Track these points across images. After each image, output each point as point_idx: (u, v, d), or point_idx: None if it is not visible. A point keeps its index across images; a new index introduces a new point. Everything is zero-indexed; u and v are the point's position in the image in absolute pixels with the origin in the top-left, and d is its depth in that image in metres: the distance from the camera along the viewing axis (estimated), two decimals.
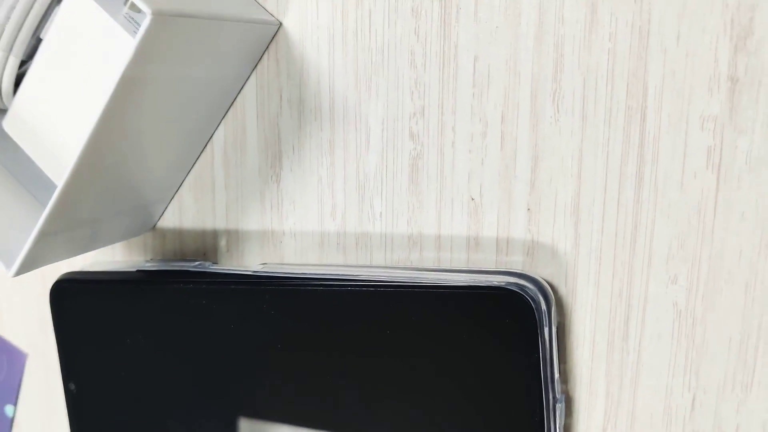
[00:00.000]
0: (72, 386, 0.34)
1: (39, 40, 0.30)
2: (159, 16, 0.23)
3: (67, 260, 0.36)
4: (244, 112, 0.31)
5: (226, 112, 0.31)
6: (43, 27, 0.29)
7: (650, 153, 0.26)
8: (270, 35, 0.30)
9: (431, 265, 0.29)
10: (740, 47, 0.24)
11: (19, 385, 0.38)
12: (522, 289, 0.26)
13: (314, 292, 0.29)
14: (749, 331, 0.26)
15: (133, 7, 0.27)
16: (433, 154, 0.29)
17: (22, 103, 0.30)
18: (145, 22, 0.23)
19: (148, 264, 0.33)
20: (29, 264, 0.28)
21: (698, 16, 0.24)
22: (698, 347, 0.26)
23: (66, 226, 0.28)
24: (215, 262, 0.33)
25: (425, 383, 0.28)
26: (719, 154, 0.25)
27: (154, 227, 0.34)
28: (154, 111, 0.27)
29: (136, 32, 0.26)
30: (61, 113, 0.30)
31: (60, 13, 0.28)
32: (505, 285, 0.26)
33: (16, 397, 0.39)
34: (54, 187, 0.28)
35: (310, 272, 0.29)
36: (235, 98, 0.31)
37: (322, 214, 0.31)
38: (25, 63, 0.30)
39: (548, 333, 0.26)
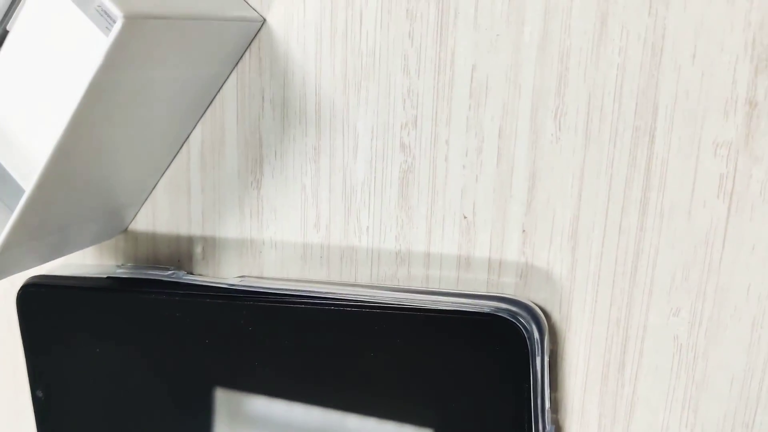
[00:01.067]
0: (39, 393, 0.32)
1: (5, 32, 0.27)
2: (131, 20, 0.21)
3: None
4: (223, 113, 0.29)
5: (204, 111, 0.29)
6: (9, 19, 0.27)
7: (657, 177, 0.24)
8: (253, 32, 0.28)
9: (419, 284, 0.28)
10: (761, 69, 0.22)
11: None
12: (514, 317, 0.25)
13: (294, 311, 0.27)
14: (753, 370, 0.24)
15: None
16: (424, 168, 0.27)
17: None
18: (116, 27, 0.21)
19: (120, 270, 0.31)
20: None
21: (717, 34, 0.22)
22: (698, 383, 0.25)
23: (33, 235, 0.26)
24: (190, 272, 0.31)
25: (409, 410, 0.27)
26: (732, 183, 0.23)
27: (126, 230, 0.32)
28: (126, 114, 0.25)
29: (108, 28, 0.24)
30: (29, 112, 0.28)
31: (27, 5, 0.26)
32: (497, 312, 0.25)
33: None
34: (22, 190, 0.26)
35: (291, 288, 0.28)
36: (213, 97, 0.29)
37: (306, 224, 0.29)
38: None
39: (540, 362, 0.25)
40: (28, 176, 0.26)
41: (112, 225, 0.31)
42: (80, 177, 0.25)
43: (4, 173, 0.30)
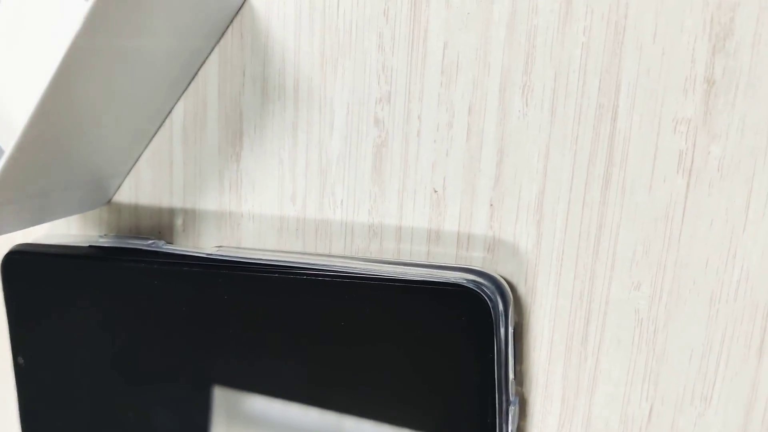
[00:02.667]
0: (20, 360, 0.33)
1: None
2: None
3: (21, 231, 0.34)
4: (205, 88, 0.30)
5: (187, 86, 0.30)
6: None
7: (619, 154, 0.25)
8: (235, 8, 0.28)
9: (391, 257, 0.28)
10: (719, 48, 0.23)
11: None
12: (479, 287, 0.25)
13: (269, 279, 0.28)
14: (712, 343, 0.25)
15: None
16: (397, 142, 0.27)
17: None
18: None
19: (102, 240, 0.32)
20: None
21: (677, 14, 0.23)
22: (658, 356, 0.25)
23: (15, 198, 0.27)
24: (170, 242, 0.31)
25: (376, 377, 0.27)
26: (691, 159, 0.24)
27: (109, 201, 0.33)
28: (107, 82, 0.26)
29: None
30: (12, 77, 0.28)
31: None
32: (463, 282, 0.25)
33: None
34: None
35: (267, 258, 0.28)
36: (196, 73, 0.30)
37: (282, 198, 0.30)
38: None
39: (504, 333, 0.26)
40: (10, 139, 0.27)
41: (95, 195, 0.31)
42: (61, 142, 0.26)
43: None
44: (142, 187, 0.32)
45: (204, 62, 0.30)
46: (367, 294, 0.27)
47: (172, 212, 0.32)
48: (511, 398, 0.26)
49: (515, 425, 0.26)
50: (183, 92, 0.30)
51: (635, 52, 0.24)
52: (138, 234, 0.32)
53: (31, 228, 0.34)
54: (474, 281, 0.26)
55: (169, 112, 0.31)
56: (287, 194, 0.29)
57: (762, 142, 0.23)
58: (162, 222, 0.32)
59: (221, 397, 0.30)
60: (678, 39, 0.23)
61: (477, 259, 0.27)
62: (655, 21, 0.23)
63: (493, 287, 0.26)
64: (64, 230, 0.34)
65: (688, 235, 0.24)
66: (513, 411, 0.26)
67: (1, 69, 0.28)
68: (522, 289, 0.27)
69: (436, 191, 0.27)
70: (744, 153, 0.23)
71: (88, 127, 0.27)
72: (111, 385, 0.32)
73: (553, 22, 0.25)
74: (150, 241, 0.31)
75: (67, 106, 0.25)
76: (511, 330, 0.26)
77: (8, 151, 0.24)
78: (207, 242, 0.31)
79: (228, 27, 0.29)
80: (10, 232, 0.28)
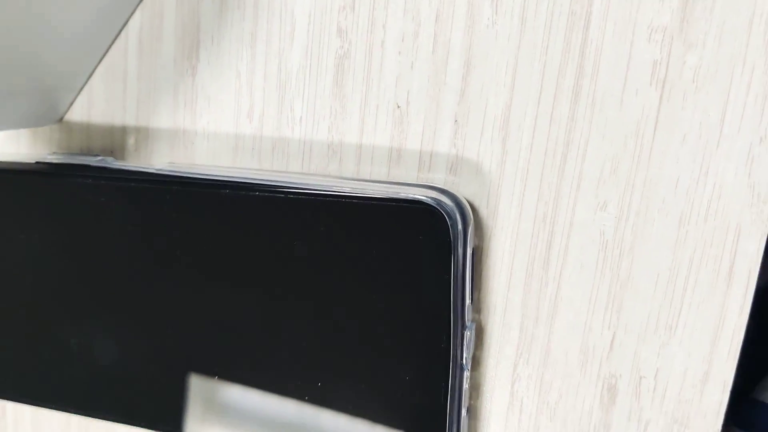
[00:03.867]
0: None
1: None
2: None
3: None
4: None
5: None
6: None
7: (591, 65, 0.23)
8: None
9: (350, 176, 0.27)
10: None
11: None
12: (438, 204, 0.24)
13: (221, 196, 0.26)
14: (679, 268, 0.23)
15: None
16: (360, 54, 0.26)
17: None
18: None
19: (50, 157, 0.30)
20: None
21: None
22: (623, 282, 0.24)
23: None
24: (121, 160, 0.30)
25: (331, 296, 0.26)
26: (665, 69, 0.23)
27: (61, 120, 0.31)
28: None
29: None
30: None
31: None
32: (422, 198, 0.24)
33: None
34: None
35: (219, 174, 0.27)
36: None
37: (239, 114, 0.28)
38: None
39: (462, 253, 0.24)
40: None
41: (43, 109, 0.30)
42: (3, 38, 0.25)
43: None
44: (95, 105, 0.30)
45: None
46: (324, 211, 0.25)
47: (124, 130, 0.30)
48: (467, 323, 0.25)
49: (470, 353, 0.25)
50: (139, 2, 0.29)
51: None
52: (89, 153, 0.31)
53: None
54: (434, 198, 0.24)
55: (125, 24, 0.29)
56: (243, 110, 0.28)
57: (740, 52, 0.22)
58: (114, 141, 0.30)
59: (167, 325, 0.28)
60: None
61: (439, 181, 0.26)
62: None
63: (453, 206, 0.24)
64: (12, 148, 0.32)
65: (659, 151, 0.23)
66: (468, 337, 0.25)
67: None
68: (484, 212, 0.25)
69: (399, 107, 0.26)
70: (721, 63, 0.22)
71: (32, 28, 0.25)
72: (52, 309, 0.30)
73: None
74: (99, 158, 0.29)
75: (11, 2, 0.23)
76: (470, 252, 0.25)
77: None
78: (159, 161, 0.30)
79: None
80: None
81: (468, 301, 0.25)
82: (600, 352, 0.25)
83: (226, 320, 0.27)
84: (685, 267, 0.23)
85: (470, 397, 0.26)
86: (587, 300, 0.25)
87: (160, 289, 0.28)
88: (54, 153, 0.31)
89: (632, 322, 0.24)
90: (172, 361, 0.29)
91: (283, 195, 0.26)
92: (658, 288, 0.24)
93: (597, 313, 0.25)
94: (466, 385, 0.25)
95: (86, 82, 0.30)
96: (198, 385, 0.28)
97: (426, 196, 0.24)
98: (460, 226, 0.24)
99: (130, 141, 0.30)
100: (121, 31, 0.29)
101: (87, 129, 0.31)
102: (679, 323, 0.24)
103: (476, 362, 0.26)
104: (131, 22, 0.29)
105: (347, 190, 0.25)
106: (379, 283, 0.25)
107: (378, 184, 0.25)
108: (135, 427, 0.30)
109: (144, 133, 0.30)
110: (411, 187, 0.25)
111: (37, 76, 0.28)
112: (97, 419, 0.31)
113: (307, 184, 0.26)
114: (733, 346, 0.23)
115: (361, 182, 0.25)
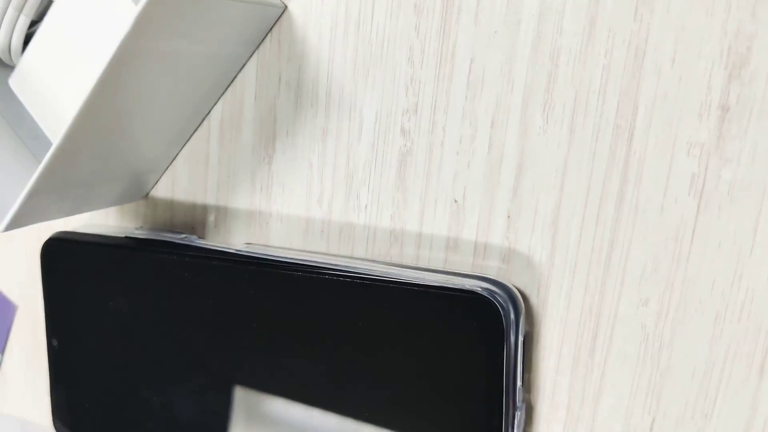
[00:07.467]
0: (54, 342, 0.35)
1: (50, 2, 0.30)
2: None
3: (62, 220, 0.36)
4: (243, 92, 0.31)
5: (226, 89, 0.32)
6: None
7: (634, 173, 0.26)
8: (274, 17, 0.30)
9: (410, 262, 0.30)
10: (734, 76, 0.24)
11: (8, 335, 0.39)
12: (492, 295, 0.26)
13: (293, 277, 0.29)
14: (714, 362, 0.25)
15: None
16: (422, 152, 0.29)
17: (29, 62, 0.31)
18: None
19: (137, 231, 0.33)
20: (19, 220, 0.29)
21: (695, 41, 0.24)
22: (662, 371, 0.26)
23: (58, 186, 0.28)
24: (202, 237, 0.33)
25: (390, 377, 0.28)
26: (702, 182, 0.25)
27: (147, 196, 0.34)
28: (150, 82, 0.27)
29: None
30: (65, 75, 0.30)
31: None
32: (477, 289, 0.26)
33: (4, 347, 0.40)
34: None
35: (292, 257, 0.30)
36: (235, 77, 0.31)
37: (310, 200, 0.31)
38: (35, 23, 0.31)
39: (514, 340, 0.27)
40: (59, 132, 0.29)
41: (134, 189, 0.33)
42: (105, 137, 0.28)
43: (39, 133, 0.32)
44: (179, 184, 0.33)
45: (243, 67, 0.31)
46: (386, 296, 0.28)
47: (205, 209, 0.33)
48: (519, 404, 0.27)
49: (521, 430, 0.27)
50: (222, 95, 0.32)
51: (653, 76, 0.25)
52: (172, 228, 0.34)
53: (72, 217, 0.36)
54: (488, 289, 0.27)
55: (208, 114, 0.32)
56: (314, 197, 0.31)
57: None
58: (195, 218, 0.33)
59: (241, 391, 0.31)
60: (695, 65, 0.24)
61: (492, 269, 0.28)
62: (675, 47, 0.24)
63: (506, 296, 0.27)
64: (102, 221, 0.36)
65: (697, 255, 0.25)
66: (519, 416, 0.27)
67: (54, 67, 0.30)
68: (534, 300, 0.28)
69: (456, 201, 0.28)
70: (754, 178, 0.24)
71: (130, 124, 0.29)
72: (137, 372, 0.33)
73: (577, 44, 0.26)
74: (183, 235, 0.32)
75: (112, 104, 0.26)
76: (521, 338, 0.27)
77: (56, 142, 0.26)
78: (236, 239, 0.33)
79: (267, 35, 0.30)
80: (52, 219, 0.30)
81: (519, 383, 0.27)
82: None
83: (291, 390, 0.30)
84: (720, 361, 0.25)
85: None
86: (629, 386, 0.27)
87: (234, 358, 0.31)
88: (140, 228, 0.34)
89: (671, 408, 0.26)
90: (240, 420, 0.32)
91: (349, 279, 0.28)
92: (695, 379, 0.26)
93: (638, 398, 0.27)
94: None
95: (171, 164, 0.33)
96: None
97: (481, 287, 0.27)
98: (512, 315, 0.26)
99: (210, 218, 0.33)
100: (204, 119, 0.32)
101: (171, 205, 0.34)
102: (714, 412, 0.26)
103: None
104: (213, 112, 0.32)
105: (410, 278, 0.27)
106: (435, 364, 0.28)
107: (436, 274, 0.28)
108: None
109: (223, 212, 0.33)
110: (467, 279, 0.27)
111: (132, 163, 0.31)
112: None
113: (372, 271, 0.28)
114: None
115: (422, 271, 0.28)
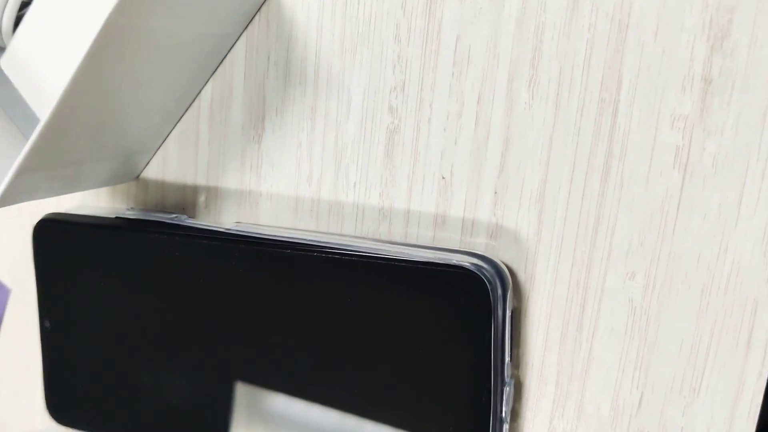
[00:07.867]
0: (47, 323, 0.35)
1: None
2: None
3: (54, 201, 0.36)
4: (232, 71, 0.31)
5: (215, 69, 0.32)
6: None
7: (619, 147, 0.26)
8: None
9: (398, 239, 0.30)
10: (716, 48, 0.24)
11: (1, 319, 0.39)
12: (480, 270, 0.26)
13: (283, 255, 0.29)
14: (702, 335, 0.25)
15: None
16: (409, 130, 0.29)
17: (19, 42, 0.31)
18: None
19: (129, 212, 0.33)
20: (9, 197, 0.29)
21: (677, 14, 0.24)
22: (650, 345, 0.26)
23: (48, 165, 0.29)
24: (192, 217, 0.33)
25: (377, 354, 0.28)
26: (687, 154, 0.25)
27: (138, 177, 0.34)
28: (139, 61, 0.27)
29: None
30: (56, 56, 0.30)
31: None
32: (465, 265, 0.27)
33: None
34: None
35: (281, 235, 0.30)
36: (224, 57, 0.31)
37: (299, 179, 0.31)
38: (26, 5, 0.31)
39: (502, 315, 0.27)
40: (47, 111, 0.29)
41: (124, 169, 0.33)
42: (94, 115, 0.28)
43: (31, 114, 0.32)
44: (169, 165, 0.34)
45: (232, 47, 0.31)
46: (374, 272, 0.28)
47: (195, 189, 0.33)
48: (507, 379, 0.27)
49: (510, 406, 0.28)
50: (211, 75, 0.32)
51: (637, 50, 0.25)
52: (163, 209, 0.34)
53: (63, 198, 0.36)
54: (475, 264, 0.27)
55: (198, 94, 0.32)
56: (304, 175, 0.31)
57: (755, 140, 0.24)
58: (186, 198, 0.34)
59: (232, 368, 0.31)
60: (678, 38, 0.24)
61: (480, 245, 0.28)
62: (657, 20, 0.24)
63: (493, 271, 0.27)
64: (93, 202, 0.36)
65: (682, 228, 0.25)
66: (508, 392, 0.27)
67: (45, 48, 0.30)
68: (521, 275, 0.28)
69: (443, 178, 0.28)
70: (738, 150, 0.24)
71: (119, 102, 0.29)
72: (129, 351, 0.33)
73: (561, 19, 0.26)
74: (174, 215, 0.32)
75: (100, 81, 0.26)
76: (509, 313, 0.27)
77: (44, 119, 0.26)
78: (227, 219, 0.33)
79: (255, 15, 0.30)
80: (42, 198, 0.30)
81: (507, 358, 0.27)
82: (629, 409, 0.27)
83: (281, 367, 0.30)
84: (708, 334, 0.25)
85: None
86: (617, 360, 0.27)
87: (224, 336, 0.31)
88: (132, 208, 0.34)
89: (659, 382, 0.26)
90: (231, 401, 0.32)
91: (338, 257, 0.28)
92: (682, 352, 0.26)
93: (626, 372, 0.27)
94: None
95: (161, 145, 0.34)
96: (255, 416, 0.31)
97: (469, 263, 0.27)
98: (499, 291, 0.27)
99: (201, 199, 0.33)
100: (194, 100, 0.32)
101: (162, 186, 0.34)
102: (702, 386, 0.26)
103: (515, 414, 0.28)
104: (203, 92, 0.32)
105: (398, 254, 0.28)
106: (424, 340, 0.28)
107: (425, 250, 0.28)
108: None
109: (213, 192, 0.33)
110: (455, 254, 0.27)
111: (122, 143, 0.31)
112: None
113: (361, 248, 0.28)
114: (753, 408, 0.25)
115: (411, 247, 0.28)
